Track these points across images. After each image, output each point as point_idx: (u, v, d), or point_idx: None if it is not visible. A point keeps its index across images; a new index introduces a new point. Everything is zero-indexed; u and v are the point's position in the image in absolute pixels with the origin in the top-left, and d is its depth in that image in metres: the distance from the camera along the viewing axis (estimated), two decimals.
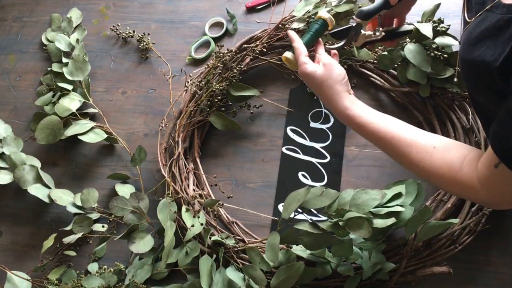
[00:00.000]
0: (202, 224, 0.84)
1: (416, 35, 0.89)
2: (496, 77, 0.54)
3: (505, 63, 0.52)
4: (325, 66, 0.70)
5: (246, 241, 0.86)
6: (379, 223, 0.72)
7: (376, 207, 0.74)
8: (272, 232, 0.77)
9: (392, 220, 0.73)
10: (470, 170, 0.60)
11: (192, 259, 0.83)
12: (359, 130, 0.69)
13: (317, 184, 0.94)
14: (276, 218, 0.91)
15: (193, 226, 0.83)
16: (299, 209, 0.77)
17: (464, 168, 0.60)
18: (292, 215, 0.80)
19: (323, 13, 0.75)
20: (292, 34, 0.75)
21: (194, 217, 0.85)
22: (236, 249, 0.84)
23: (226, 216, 0.91)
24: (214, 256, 0.83)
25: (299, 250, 0.80)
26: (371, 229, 0.71)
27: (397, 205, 0.76)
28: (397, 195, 0.77)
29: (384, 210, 0.74)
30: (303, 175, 0.95)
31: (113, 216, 0.91)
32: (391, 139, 0.65)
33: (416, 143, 0.64)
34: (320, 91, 0.70)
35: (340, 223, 0.74)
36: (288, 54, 0.74)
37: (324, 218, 0.86)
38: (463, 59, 0.62)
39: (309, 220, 0.78)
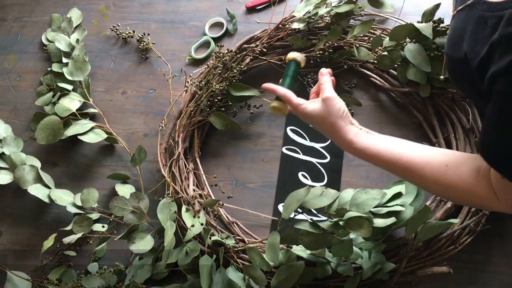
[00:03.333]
0: (202, 224, 0.84)
1: (416, 35, 0.89)
2: (475, 76, 0.53)
3: (482, 62, 0.52)
4: (324, 101, 0.68)
5: (246, 241, 0.86)
6: (379, 222, 0.73)
7: (376, 206, 0.74)
8: (272, 232, 0.77)
9: (392, 220, 0.73)
10: (485, 182, 0.59)
11: (192, 259, 0.83)
12: (370, 161, 0.68)
13: (317, 184, 0.94)
14: (276, 218, 0.91)
15: (193, 226, 0.83)
16: (299, 209, 0.77)
17: (480, 181, 0.59)
18: (292, 215, 0.80)
19: (294, 54, 0.77)
20: (268, 86, 0.75)
21: (194, 217, 0.85)
22: (236, 249, 0.84)
23: (226, 216, 0.91)
24: (214, 256, 0.83)
25: (299, 250, 0.80)
26: (371, 229, 0.71)
27: (397, 204, 0.76)
28: (397, 195, 0.77)
29: (384, 210, 0.74)
30: (303, 175, 0.95)
31: (113, 216, 0.91)
32: (403, 165, 0.64)
33: (428, 165, 0.63)
34: (323, 128, 0.70)
35: (340, 223, 0.74)
36: (275, 103, 0.75)
37: (324, 218, 0.86)
38: (448, 56, 0.62)
39: (309, 220, 0.78)
